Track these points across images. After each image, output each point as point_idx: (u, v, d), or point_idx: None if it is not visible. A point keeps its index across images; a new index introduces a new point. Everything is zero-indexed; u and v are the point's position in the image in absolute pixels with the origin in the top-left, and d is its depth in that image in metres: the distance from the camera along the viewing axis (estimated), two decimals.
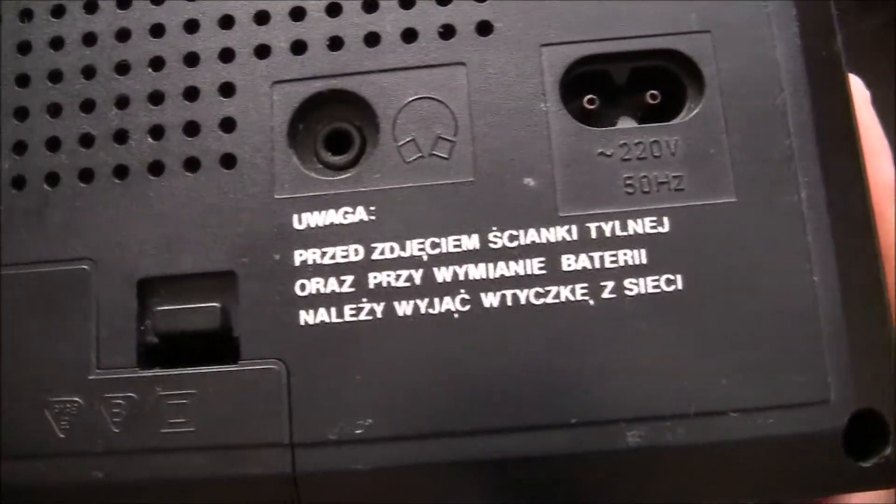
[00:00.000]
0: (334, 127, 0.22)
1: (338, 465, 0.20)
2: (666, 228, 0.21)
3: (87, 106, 0.23)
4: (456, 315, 0.21)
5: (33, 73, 0.23)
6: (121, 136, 0.23)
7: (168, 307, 0.22)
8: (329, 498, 0.21)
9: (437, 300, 0.21)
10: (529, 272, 0.21)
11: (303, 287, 0.21)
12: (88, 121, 0.23)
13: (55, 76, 0.23)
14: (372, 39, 0.22)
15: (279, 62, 0.22)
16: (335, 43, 0.22)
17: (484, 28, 0.22)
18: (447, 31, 0.22)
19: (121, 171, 0.22)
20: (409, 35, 0.22)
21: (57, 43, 0.23)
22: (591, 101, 0.22)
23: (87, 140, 0.23)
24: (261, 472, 0.21)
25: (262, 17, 0.22)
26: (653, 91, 0.22)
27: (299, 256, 0.21)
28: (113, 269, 0.22)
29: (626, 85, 0.22)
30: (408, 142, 0.22)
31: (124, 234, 0.22)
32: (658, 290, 0.20)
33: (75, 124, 0.23)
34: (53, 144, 0.23)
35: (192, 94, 0.22)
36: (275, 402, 0.21)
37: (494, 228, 0.21)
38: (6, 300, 0.22)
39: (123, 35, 0.23)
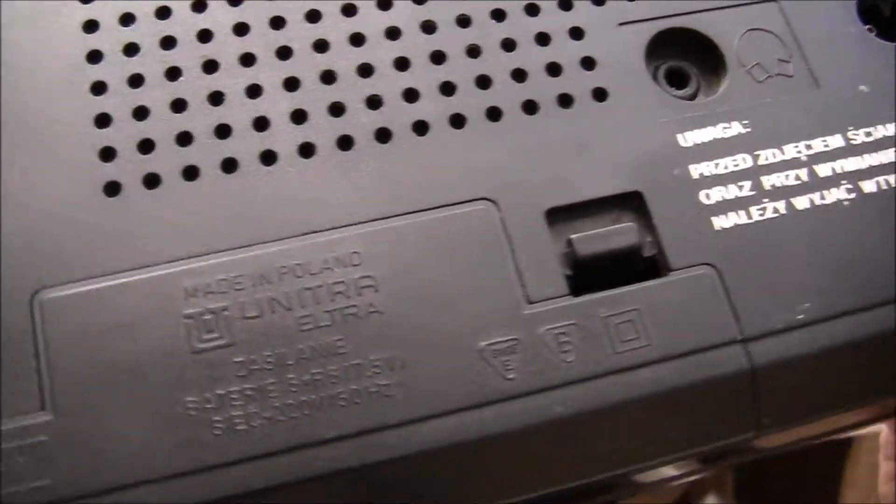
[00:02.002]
0: (671, 65, 0.24)
1: (789, 352, 0.21)
2: None
3: (438, 57, 0.23)
4: (846, 203, 0.23)
5: (368, 33, 0.23)
6: (484, 82, 0.23)
7: (585, 233, 0.21)
8: (782, 385, 0.21)
9: (826, 192, 0.23)
10: (892, 160, 0.23)
11: (707, 196, 0.22)
12: (445, 70, 0.23)
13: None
14: None
15: (618, 7, 0.24)
16: None
17: None
18: None
19: (494, 114, 0.22)
20: None
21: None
22: (870, 30, 0.26)
23: (448, 88, 0.23)
24: (719, 373, 0.21)
25: None
26: None
27: (695, 170, 0.22)
28: (515, 205, 0.22)
29: (890, 16, 0.26)
30: (755, 66, 0.24)
31: (515, 171, 0.22)
32: None
33: (430, 73, 0.23)
34: (411, 95, 0.22)
35: (543, 39, 0.23)
36: (717, 304, 0.21)
37: (851, 128, 0.23)
38: (411, 252, 0.21)
39: None
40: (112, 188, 0.21)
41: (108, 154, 0.21)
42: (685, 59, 0.24)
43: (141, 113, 0.22)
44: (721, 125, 0.23)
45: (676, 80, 0.24)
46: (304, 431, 0.19)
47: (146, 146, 0.22)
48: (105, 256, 0.21)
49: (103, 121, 0.22)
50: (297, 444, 0.19)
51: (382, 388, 0.20)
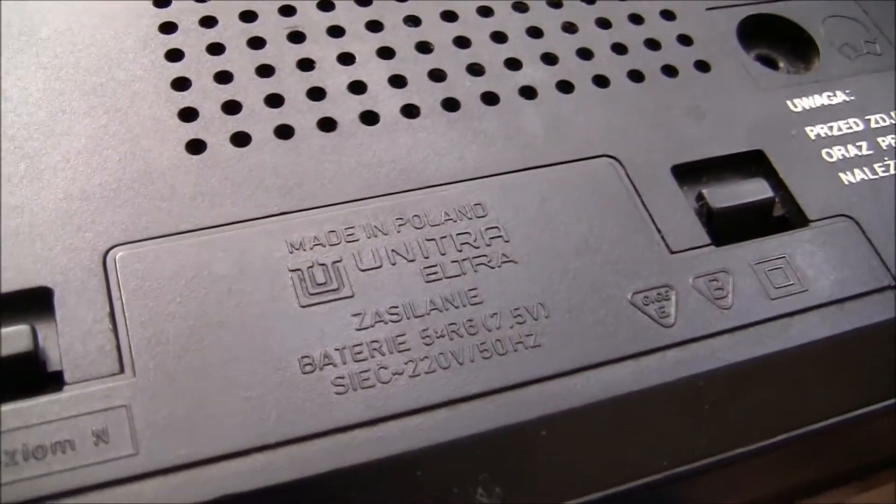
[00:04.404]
0: (759, 52, 0.24)
1: None
2: None
3: (534, 32, 0.22)
4: None
5: (460, 11, 0.22)
6: (585, 54, 0.22)
7: (717, 186, 0.20)
8: None
9: None
10: None
11: (829, 154, 0.21)
12: (543, 44, 0.22)
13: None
14: None
15: None
16: None
17: None
18: None
19: (601, 81, 0.21)
20: None
21: None
22: None
23: (549, 58, 0.22)
24: (881, 319, 0.19)
25: None
26: None
27: (811, 131, 0.21)
28: (639, 162, 0.20)
29: None
30: (843, 45, 0.24)
31: (632, 132, 0.21)
32: None
33: (528, 46, 0.22)
34: (513, 64, 0.21)
35: (637, 19, 0.23)
36: (864, 252, 0.19)
37: None
38: (538, 203, 0.19)
39: None
40: (195, 146, 0.19)
41: (188, 115, 0.19)
42: (772, 47, 0.24)
43: (223, 77, 0.20)
44: (826, 94, 0.22)
45: (766, 66, 0.24)
46: (446, 386, 0.16)
47: (231, 108, 0.20)
48: (191, 212, 0.18)
49: (181, 84, 0.20)
50: (439, 400, 0.16)
51: (528, 338, 0.17)
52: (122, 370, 0.16)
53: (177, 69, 0.20)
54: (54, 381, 0.16)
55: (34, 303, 0.17)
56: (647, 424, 0.17)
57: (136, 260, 0.17)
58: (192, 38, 0.21)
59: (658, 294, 0.18)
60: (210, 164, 0.19)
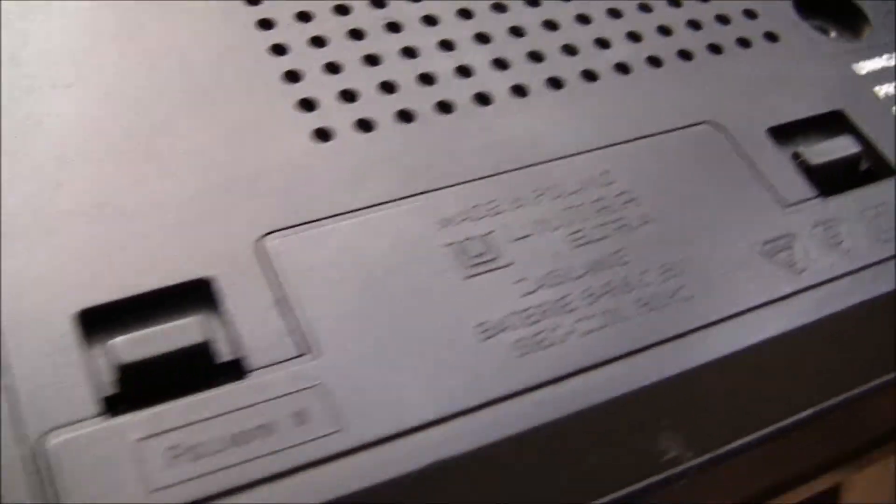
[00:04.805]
0: (812, 23, 0.25)
1: None
2: None
3: (614, 13, 0.23)
4: None
5: None
6: (665, 31, 0.23)
7: (809, 144, 0.21)
8: None
9: None
10: None
11: None
12: (625, 23, 0.23)
13: None
14: None
15: None
16: None
17: None
18: None
19: (685, 55, 0.23)
20: None
21: None
22: None
23: (634, 37, 0.23)
24: None
25: None
26: None
27: (880, 90, 0.23)
28: (736, 126, 0.21)
29: None
30: (889, 12, 0.25)
31: (724, 100, 0.22)
32: None
33: (612, 27, 0.23)
34: (602, 43, 0.22)
35: None
36: None
37: None
38: (658, 168, 0.20)
39: None
40: (322, 134, 0.19)
41: (307, 105, 0.20)
42: (823, 18, 0.25)
43: (332, 68, 0.20)
44: (885, 56, 0.24)
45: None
46: (618, 340, 0.17)
47: (348, 96, 0.20)
48: (334, 196, 0.18)
49: (293, 77, 0.20)
50: (614, 354, 0.17)
51: (680, 290, 0.18)
52: (305, 351, 0.16)
53: (285, 63, 0.20)
54: (232, 370, 0.16)
55: (193, 295, 0.17)
56: (796, 364, 0.18)
57: (293, 245, 0.17)
58: (292, 33, 0.21)
59: (784, 243, 0.19)
60: (340, 150, 0.19)
